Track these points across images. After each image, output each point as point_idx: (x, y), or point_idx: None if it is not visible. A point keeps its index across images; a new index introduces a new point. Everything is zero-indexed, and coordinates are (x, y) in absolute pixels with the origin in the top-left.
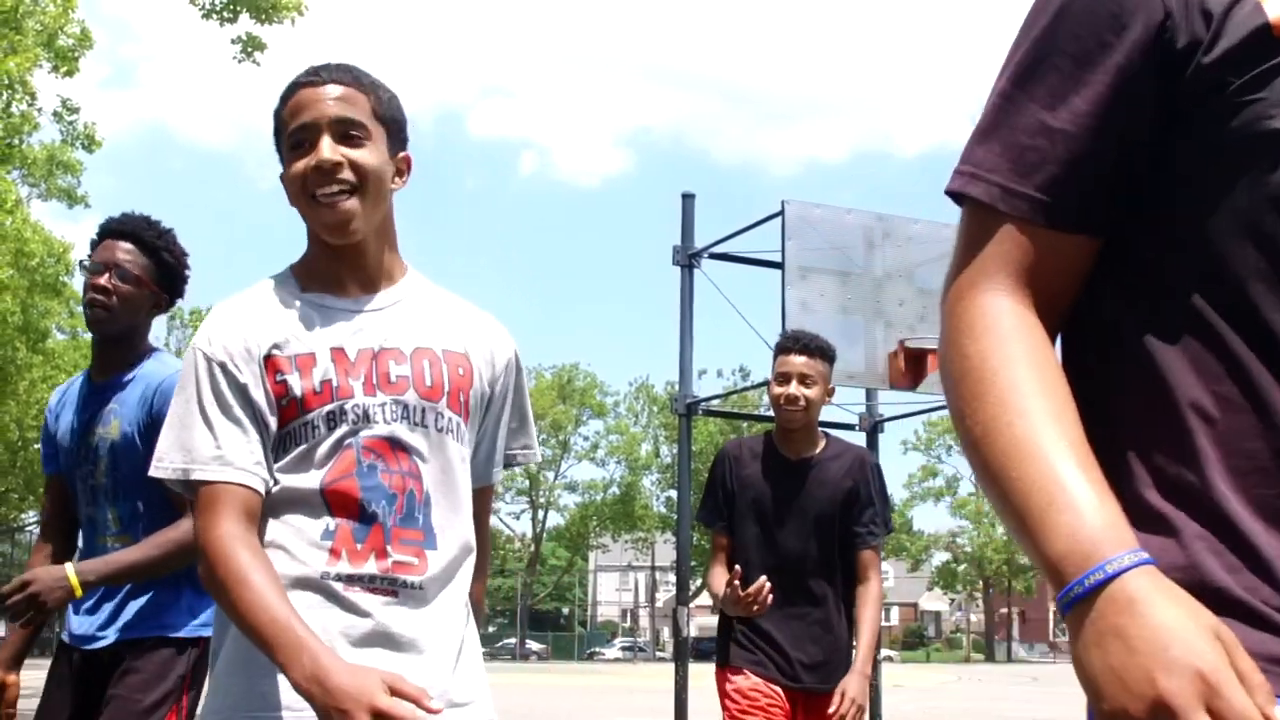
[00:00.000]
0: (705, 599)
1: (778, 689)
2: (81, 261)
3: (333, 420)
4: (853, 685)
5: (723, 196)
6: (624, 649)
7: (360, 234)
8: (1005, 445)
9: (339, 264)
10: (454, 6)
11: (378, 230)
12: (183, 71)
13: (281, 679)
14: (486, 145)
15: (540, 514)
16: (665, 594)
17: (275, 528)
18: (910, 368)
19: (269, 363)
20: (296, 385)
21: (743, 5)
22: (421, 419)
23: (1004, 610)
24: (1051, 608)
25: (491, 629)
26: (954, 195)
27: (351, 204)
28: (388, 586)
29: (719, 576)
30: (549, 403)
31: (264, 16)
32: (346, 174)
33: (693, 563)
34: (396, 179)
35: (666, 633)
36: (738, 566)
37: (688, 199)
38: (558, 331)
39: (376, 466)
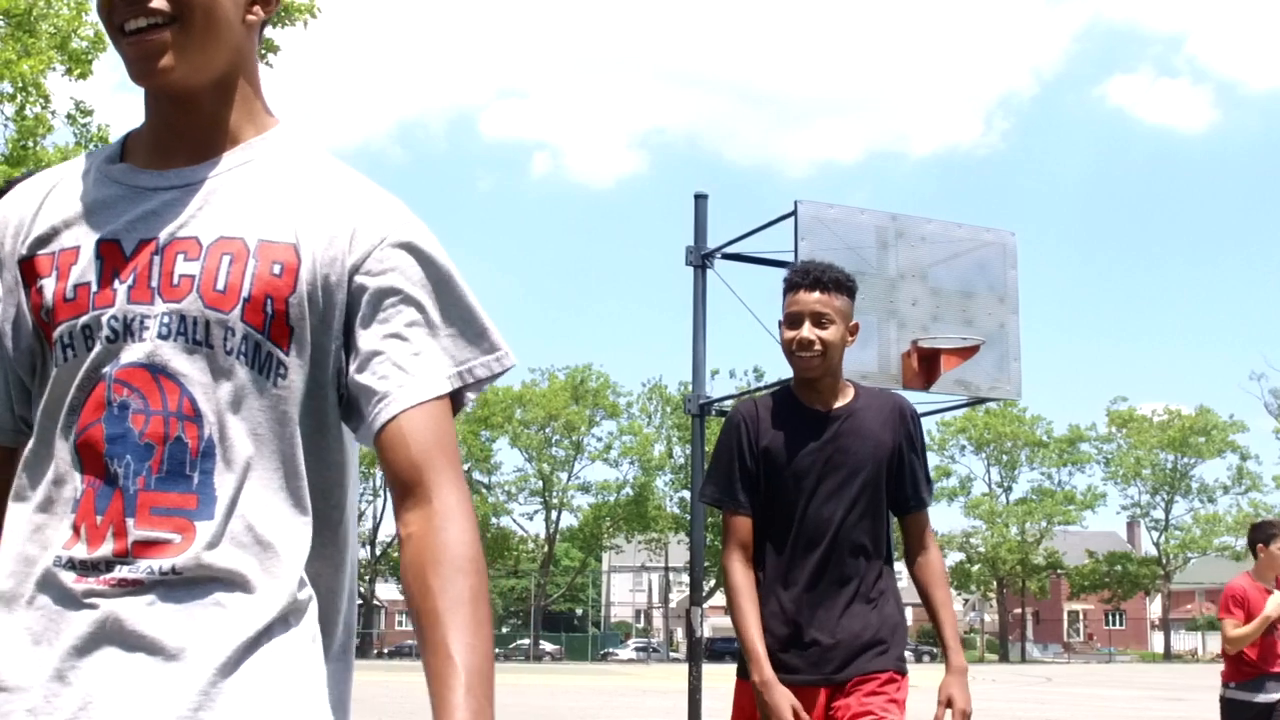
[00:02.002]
0: (719, 599)
1: (807, 689)
2: None
3: (87, 338)
4: (958, 694)
5: (737, 198)
6: (637, 650)
7: (178, 76)
8: None
9: (164, 124)
10: (467, 8)
11: (220, 79)
12: None
13: None
14: (499, 146)
15: (553, 515)
16: (679, 594)
17: (41, 493)
18: (923, 368)
19: (28, 266)
20: (49, 292)
21: (756, 6)
22: (205, 337)
23: (1018, 610)
24: (1065, 608)
25: (505, 630)
26: None
27: (163, 37)
28: (128, 575)
29: (740, 568)
30: (562, 403)
31: (277, 19)
32: (159, 1)
33: (706, 563)
34: (254, 9)
35: (680, 633)
36: None
37: (700, 199)
38: (570, 332)
39: (129, 406)
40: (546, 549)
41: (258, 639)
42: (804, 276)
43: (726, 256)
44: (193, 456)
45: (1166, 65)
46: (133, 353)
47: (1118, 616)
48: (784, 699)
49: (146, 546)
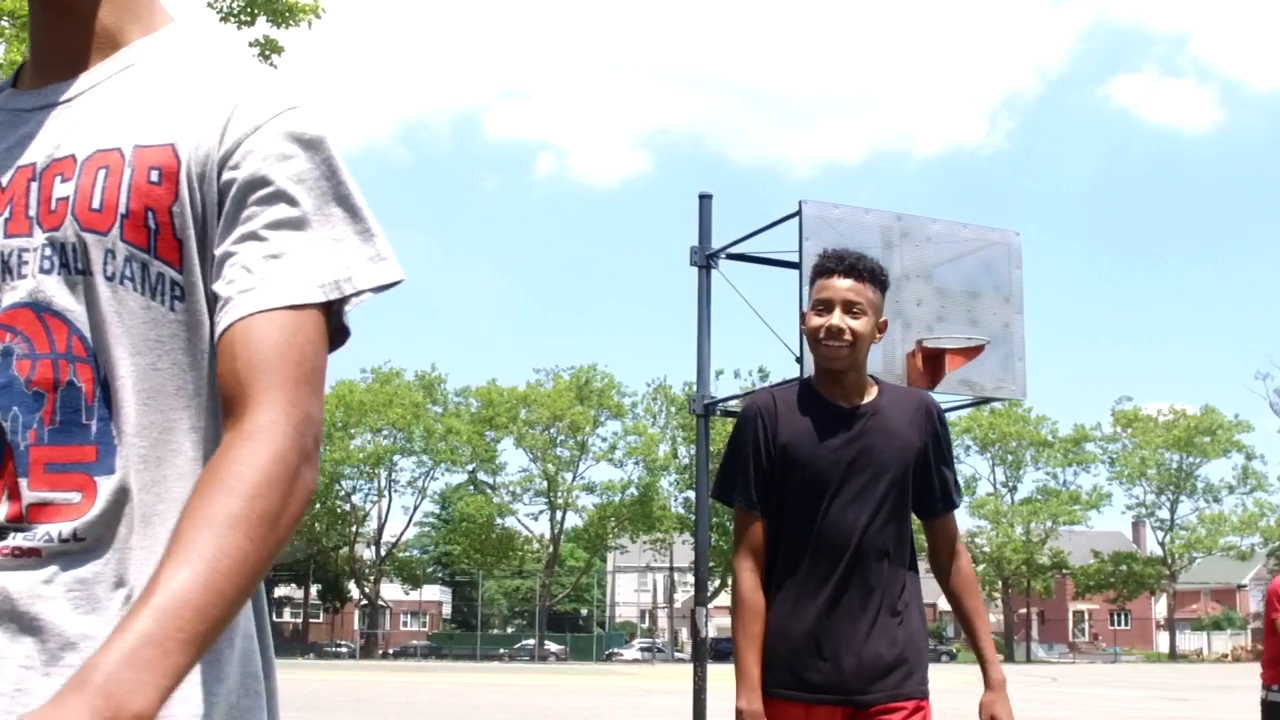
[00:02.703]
0: (724, 599)
1: (826, 709)
2: None
3: None
4: (1002, 711)
5: (742, 198)
6: (642, 650)
7: None
8: None
9: (42, 36)
10: (472, 9)
11: None
12: None
13: None
14: (504, 147)
15: (558, 515)
16: (684, 595)
17: None
18: (928, 367)
19: None
20: None
21: (760, 7)
22: (85, 264)
23: (1023, 611)
24: (1071, 608)
25: (510, 630)
26: None
27: None
28: (23, 543)
29: (749, 577)
30: (567, 404)
31: (281, 20)
32: None
33: (711, 563)
34: None
35: (685, 634)
36: None
37: (705, 199)
38: (575, 333)
39: (13, 351)
40: (551, 549)
41: None
42: (837, 262)
43: (731, 257)
44: (88, 402)
45: (1171, 65)
46: (15, 293)
47: (1123, 616)
48: None
49: (42, 509)
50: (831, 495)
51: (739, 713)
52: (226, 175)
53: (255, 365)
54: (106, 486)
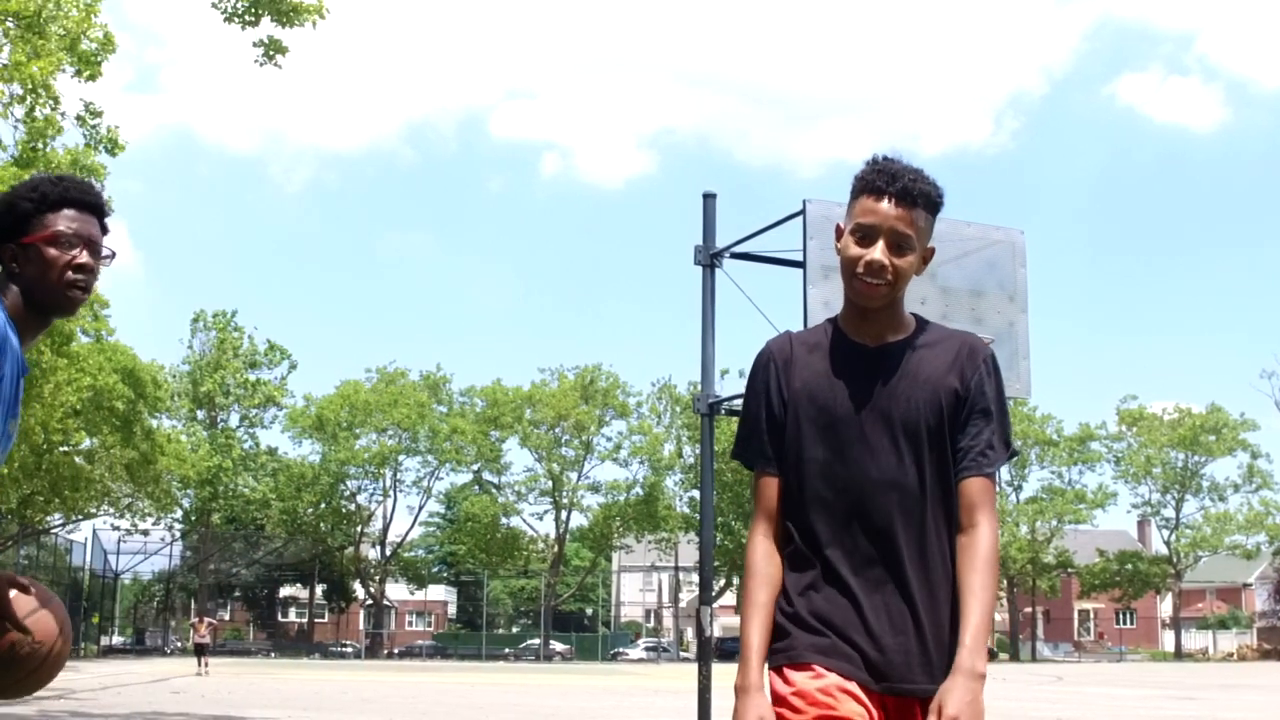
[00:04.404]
0: (729, 599)
1: (859, 693)
2: (60, 232)
3: None
4: (954, 697)
5: (747, 198)
6: (647, 649)
7: None
8: None
9: None
10: (476, 9)
11: None
12: (206, 75)
13: None
14: (509, 147)
15: (563, 515)
16: (689, 594)
17: None
18: None
19: None
20: None
21: (766, 6)
22: None
23: (1028, 609)
24: (1076, 607)
25: (515, 629)
26: None
27: None
28: None
29: (760, 543)
30: (572, 403)
31: (285, 20)
32: None
33: (716, 563)
34: None
35: (690, 633)
36: None
37: (709, 199)
38: (580, 332)
39: None
40: (556, 549)
41: None
42: (889, 181)
43: (735, 256)
44: None
45: (1177, 64)
46: None
47: (1128, 615)
48: (754, 713)
49: None
50: (854, 446)
51: (735, 689)
52: None
53: None
54: None
